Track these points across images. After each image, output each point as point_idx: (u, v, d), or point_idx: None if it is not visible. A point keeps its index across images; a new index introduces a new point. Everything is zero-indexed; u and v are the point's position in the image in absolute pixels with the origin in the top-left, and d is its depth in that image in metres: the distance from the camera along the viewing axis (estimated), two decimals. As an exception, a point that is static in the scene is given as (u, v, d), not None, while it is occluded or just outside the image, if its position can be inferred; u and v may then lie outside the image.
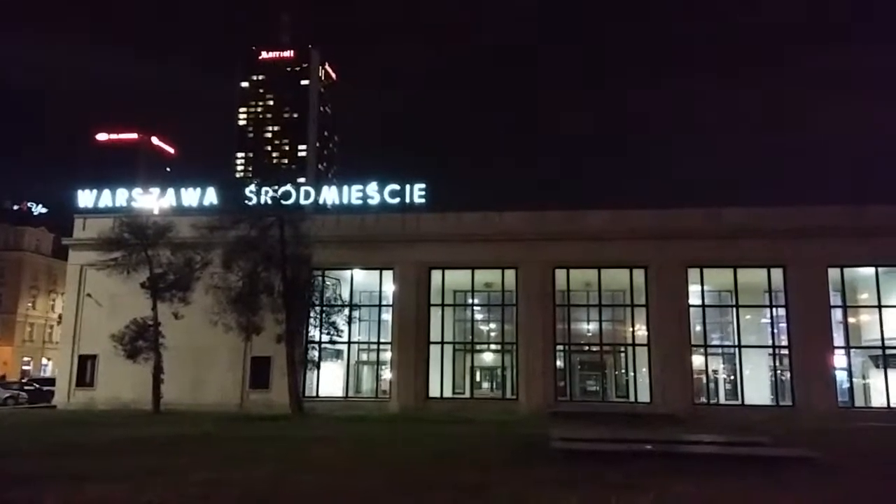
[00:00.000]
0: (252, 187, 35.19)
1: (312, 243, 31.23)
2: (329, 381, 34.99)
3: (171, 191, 37.34)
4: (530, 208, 35.28)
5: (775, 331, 33.70)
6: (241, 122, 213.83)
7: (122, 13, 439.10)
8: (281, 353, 31.06)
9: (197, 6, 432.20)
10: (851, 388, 32.15)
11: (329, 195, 36.19)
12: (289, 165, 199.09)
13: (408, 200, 34.89)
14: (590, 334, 36.17)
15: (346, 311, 33.60)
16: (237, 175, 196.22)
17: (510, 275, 34.40)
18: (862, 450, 18.80)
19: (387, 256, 34.54)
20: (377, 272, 35.47)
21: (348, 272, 35.52)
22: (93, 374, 35.78)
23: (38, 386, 42.76)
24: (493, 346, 37.82)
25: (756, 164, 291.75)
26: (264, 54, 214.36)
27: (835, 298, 32.44)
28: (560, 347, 34.29)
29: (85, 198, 37.50)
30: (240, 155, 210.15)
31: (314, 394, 33.86)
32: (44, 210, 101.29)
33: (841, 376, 32.04)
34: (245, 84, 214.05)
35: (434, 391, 33.80)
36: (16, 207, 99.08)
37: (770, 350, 33.83)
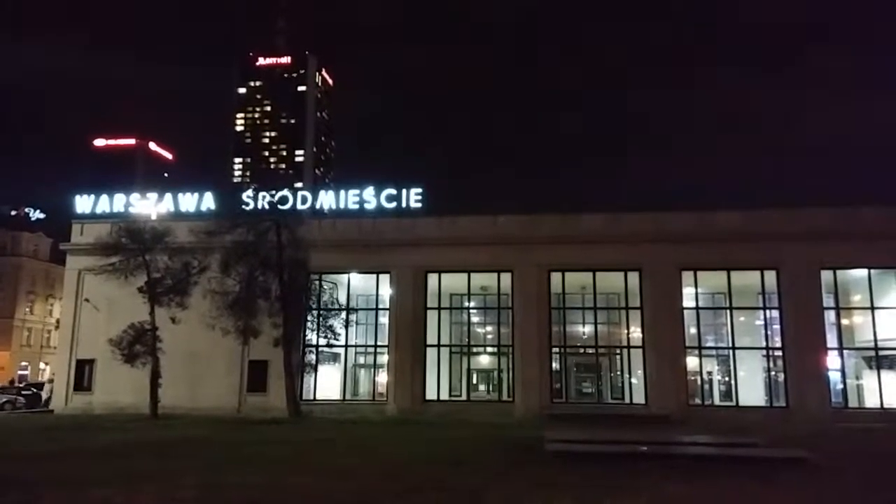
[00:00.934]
0: (249, 192, 35.34)
1: (309, 247, 31.42)
2: (326, 384, 35.10)
3: (168, 196, 37.43)
4: (525, 212, 35.49)
5: (769, 332, 33.87)
6: (239, 128, 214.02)
7: (120, 19, 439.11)
8: (278, 357, 31.19)
9: (194, 13, 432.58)
10: (845, 389, 32.32)
11: (326, 199, 36.35)
12: (286, 170, 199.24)
13: (404, 204, 35.07)
14: (585, 337, 36.31)
15: (343, 314, 33.75)
16: (235, 180, 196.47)
17: (506, 278, 34.59)
18: (855, 451, 18.99)
19: (383, 260, 34.71)
20: (374, 276, 35.63)
21: (345, 276, 35.68)
22: (90, 379, 35.83)
23: (35, 390, 42.79)
24: (489, 349, 37.95)
25: (748, 166, 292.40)
26: (261, 60, 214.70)
27: (828, 300, 32.64)
28: (555, 350, 34.44)
29: (83, 203, 37.60)
30: (237, 160, 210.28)
31: (311, 397, 33.98)
32: (41, 215, 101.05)
33: (834, 377, 32.21)
34: (242, 90, 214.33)
35: (431, 394, 33.93)
36: (13, 212, 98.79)
37: (764, 352, 34.05)
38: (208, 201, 36.42)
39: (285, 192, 35.40)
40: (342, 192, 36.09)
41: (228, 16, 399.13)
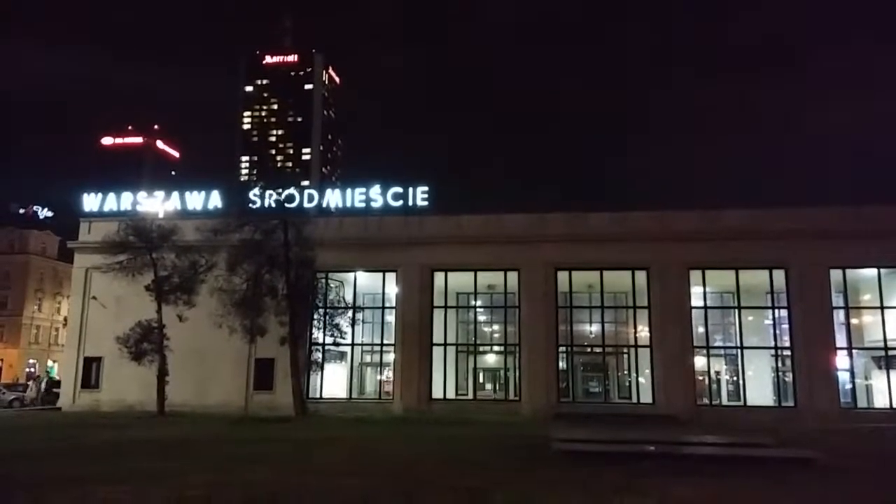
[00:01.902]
0: (256, 191, 35.37)
1: (316, 246, 31.43)
2: (332, 382, 35.13)
3: (175, 194, 37.51)
4: (532, 210, 35.41)
5: (777, 332, 33.73)
6: (246, 126, 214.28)
7: (126, 19, 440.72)
8: (285, 355, 31.23)
9: (200, 12, 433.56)
10: (854, 389, 32.14)
11: (332, 198, 36.37)
12: (293, 169, 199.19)
13: (411, 203, 35.05)
14: (592, 336, 36.23)
15: (350, 313, 33.76)
16: (241, 178, 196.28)
17: (512, 276, 34.52)
18: (864, 451, 18.85)
19: (390, 259, 34.69)
20: (380, 274, 35.62)
21: (351, 274, 35.68)
22: (98, 377, 35.98)
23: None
24: (495, 348, 37.92)
25: (756, 165, 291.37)
26: (268, 59, 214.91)
27: (837, 299, 32.47)
28: (562, 349, 34.39)
29: (90, 201, 37.72)
30: (244, 158, 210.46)
31: (318, 395, 34.01)
32: (50, 213, 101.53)
33: (843, 377, 32.04)
34: (249, 88, 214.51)
35: (437, 393, 33.91)
36: (22, 211, 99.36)
37: (772, 351, 33.88)
38: (215, 200, 36.49)
39: (292, 190, 35.45)
40: (349, 191, 36.10)
41: (235, 14, 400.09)
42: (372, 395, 36.14)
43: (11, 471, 13.79)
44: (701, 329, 33.71)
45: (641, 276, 33.83)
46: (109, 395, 34.78)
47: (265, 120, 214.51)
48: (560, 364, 34.07)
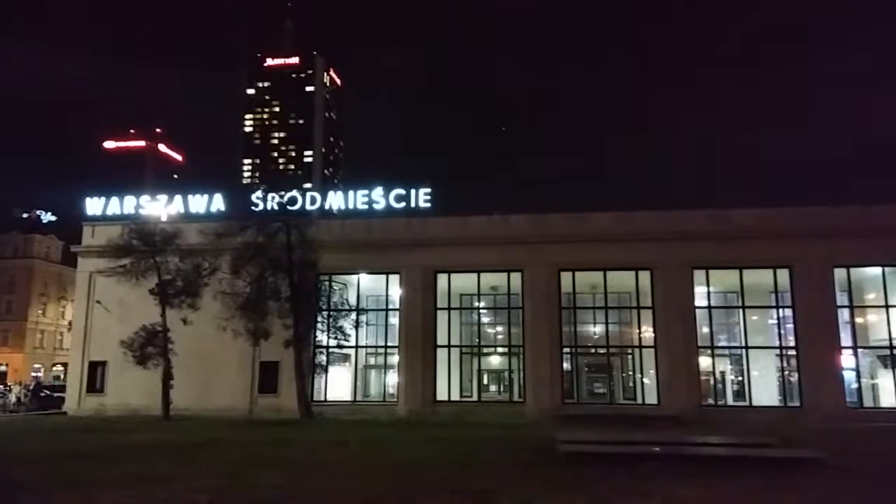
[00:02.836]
0: (259, 193, 35.40)
1: (319, 248, 31.43)
2: (337, 385, 35.11)
3: (178, 198, 37.52)
4: (534, 211, 35.37)
5: (782, 331, 33.62)
6: (248, 129, 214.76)
7: (127, 23, 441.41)
8: (289, 358, 31.22)
9: (201, 15, 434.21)
10: (860, 389, 32.03)
11: (335, 200, 36.34)
12: (295, 171, 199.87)
13: (413, 205, 34.97)
14: (596, 336, 36.14)
15: (353, 315, 33.72)
16: (244, 181, 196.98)
17: (516, 278, 34.48)
18: (871, 451, 18.77)
19: (393, 260, 34.68)
20: (384, 276, 35.61)
21: (355, 276, 35.68)
22: (103, 381, 36.01)
23: (48, 393, 43.03)
24: (499, 349, 37.85)
25: (756, 165, 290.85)
26: (269, 61, 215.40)
27: (841, 298, 32.35)
28: (566, 350, 34.31)
29: (93, 205, 37.76)
30: (246, 161, 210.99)
31: (322, 398, 33.98)
32: (53, 218, 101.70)
33: (849, 377, 31.92)
34: (251, 91, 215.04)
35: (441, 394, 33.87)
36: (25, 215, 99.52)
37: (777, 351, 33.76)
38: (218, 203, 36.50)
39: (294, 192, 35.51)
40: (351, 193, 36.05)
41: (236, 17, 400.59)
42: (376, 397, 36.11)
43: (17, 474, 13.80)
44: (705, 329, 33.61)
45: (645, 277, 33.74)
46: (114, 400, 34.80)
47: (267, 122, 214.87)
48: (564, 365, 33.98)
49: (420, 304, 34.23)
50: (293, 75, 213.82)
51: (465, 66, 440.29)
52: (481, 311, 37.38)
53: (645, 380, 35.14)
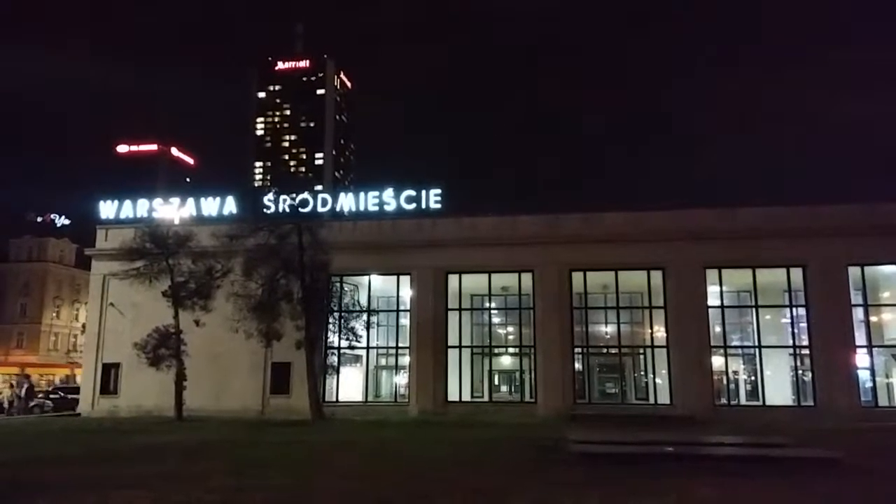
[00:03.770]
0: (270, 196, 35.53)
1: (330, 250, 31.53)
2: (348, 386, 35.18)
3: (191, 200, 37.74)
4: (546, 211, 35.28)
5: (796, 331, 33.36)
6: (259, 132, 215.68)
7: (141, 27, 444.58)
8: (301, 359, 31.32)
9: (213, 19, 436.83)
10: (874, 388, 31.70)
11: (346, 202, 36.41)
12: (306, 173, 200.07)
13: (424, 206, 34.97)
14: (608, 336, 36.01)
15: (365, 316, 33.81)
16: (256, 184, 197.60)
17: (527, 278, 34.41)
18: (886, 450, 18.61)
19: (404, 261, 34.71)
20: (394, 277, 35.65)
21: (366, 278, 35.75)
22: (116, 383, 36.26)
23: (63, 394, 43.41)
24: (510, 350, 37.79)
25: (762, 164, 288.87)
26: (280, 65, 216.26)
27: (856, 297, 32.02)
28: (578, 350, 34.19)
29: (107, 209, 38.04)
30: (258, 164, 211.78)
31: (334, 399, 34.06)
32: (67, 221, 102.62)
33: (863, 376, 31.60)
34: (262, 94, 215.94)
35: (453, 395, 33.85)
36: (39, 219, 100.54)
37: (791, 350, 33.48)
38: (230, 205, 36.70)
39: (305, 194, 35.57)
40: (362, 194, 36.12)
41: (246, 21, 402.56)
42: (388, 398, 36.15)
43: (32, 475, 13.93)
44: (718, 328, 33.39)
45: (657, 276, 33.58)
46: (127, 401, 35.04)
47: (278, 125, 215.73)
48: (576, 365, 33.87)
49: (431, 305, 34.24)
50: (304, 78, 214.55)
51: (477, 66, 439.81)
52: (492, 311, 37.34)
53: (657, 380, 34.97)
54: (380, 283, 36.25)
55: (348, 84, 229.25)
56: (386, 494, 11.70)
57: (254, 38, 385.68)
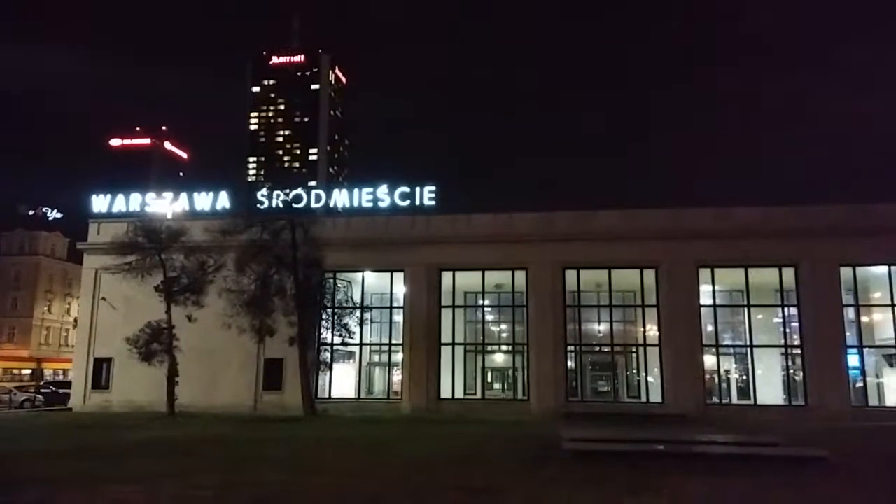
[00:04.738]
0: (264, 191, 35.49)
1: (324, 246, 31.49)
2: (341, 382, 35.16)
3: (184, 195, 37.63)
4: (539, 209, 35.33)
5: (787, 330, 33.55)
6: (253, 127, 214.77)
7: (134, 20, 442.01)
8: (294, 355, 31.29)
9: (207, 12, 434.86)
10: (865, 388, 31.90)
11: (340, 198, 36.31)
12: (300, 169, 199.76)
13: (418, 202, 34.95)
14: (601, 335, 36.12)
15: (358, 312, 33.78)
16: (249, 179, 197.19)
17: (520, 276, 34.45)
18: (875, 449, 18.74)
19: (397, 258, 34.69)
20: (388, 274, 35.62)
21: (359, 274, 35.70)
22: (108, 377, 36.15)
23: (54, 389, 43.24)
24: (503, 348, 37.85)
25: (759, 163, 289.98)
26: (275, 59, 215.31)
27: (847, 297, 32.23)
28: (571, 348, 34.28)
29: (99, 202, 37.88)
30: (252, 159, 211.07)
31: (327, 395, 34.04)
32: (59, 215, 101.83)
33: (854, 375, 31.83)
34: (256, 89, 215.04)
35: (445, 392, 33.89)
36: (31, 212, 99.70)
37: (782, 350, 33.65)
38: (223, 200, 36.56)
39: (299, 190, 35.52)
40: (356, 191, 36.06)
41: (241, 15, 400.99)
42: (380, 394, 36.15)
43: (23, 470, 13.86)
44: (710, 327, 33.52)
45: (650, 275, 33.69)
46: (119, 396, 34.94)
47: (272, 120, 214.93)
48: (568, 363, 33.98)
49: (424, 302, 34.24)
50: (298, 73, 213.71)
51: (473, 62, 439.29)
52: (485, 309, 37.37)
53: (649, 378, 35.09)
54: (373, 280, 36.22)
55: (343, 79, 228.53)
56: (377, 491, 11.69)
57: (250, 33, 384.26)
